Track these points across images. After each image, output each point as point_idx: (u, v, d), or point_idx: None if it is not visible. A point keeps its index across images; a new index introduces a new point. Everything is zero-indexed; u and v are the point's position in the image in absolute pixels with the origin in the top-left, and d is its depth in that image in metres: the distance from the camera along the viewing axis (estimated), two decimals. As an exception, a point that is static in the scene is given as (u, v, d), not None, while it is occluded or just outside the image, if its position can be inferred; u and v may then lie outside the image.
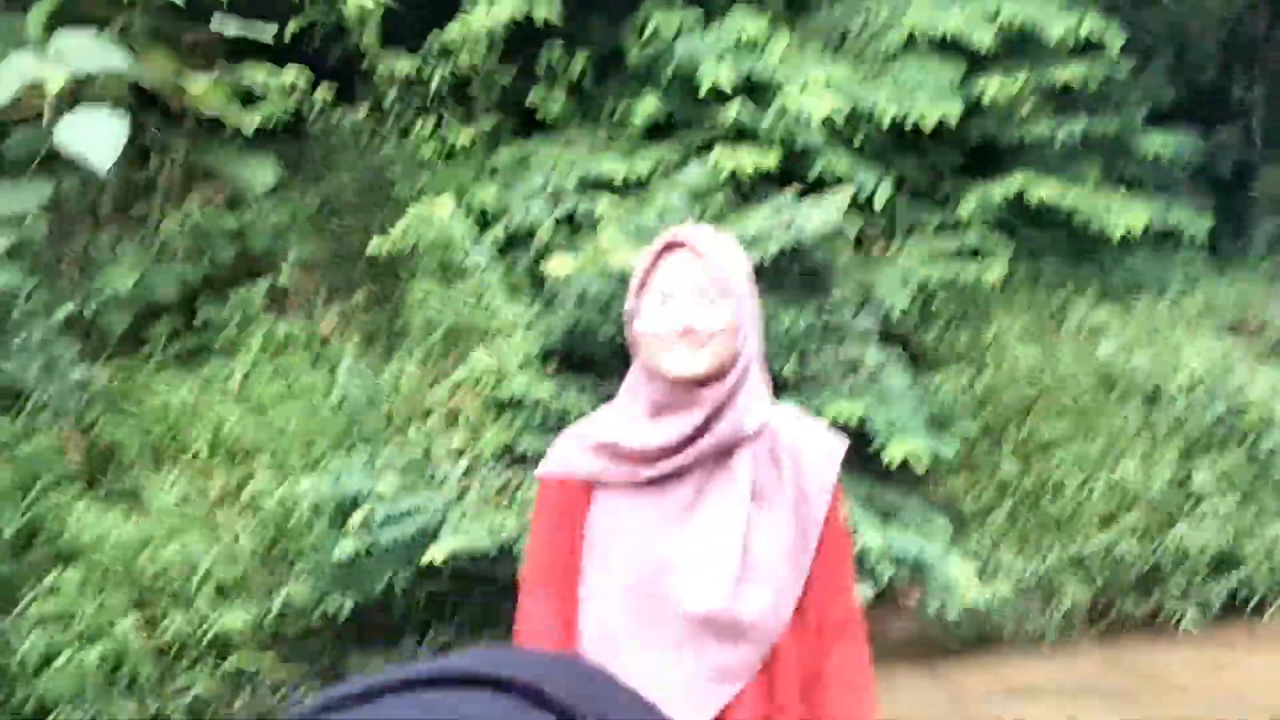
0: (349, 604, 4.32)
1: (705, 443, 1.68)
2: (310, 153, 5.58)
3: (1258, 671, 4.60)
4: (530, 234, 5.28)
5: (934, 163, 6.14)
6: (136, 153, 5.10)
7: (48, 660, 3.89)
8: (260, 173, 5.08)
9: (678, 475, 1.69)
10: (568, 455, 1.77)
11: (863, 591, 4.86)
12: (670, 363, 1.68)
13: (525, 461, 4.70)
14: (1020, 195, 5.88)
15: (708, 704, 1.62)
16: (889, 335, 5.77)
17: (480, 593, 4.90)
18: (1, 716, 3.89)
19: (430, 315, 5.02)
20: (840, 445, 1.80)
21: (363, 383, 4.85)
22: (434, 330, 4.98)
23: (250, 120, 5.13)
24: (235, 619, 4.11)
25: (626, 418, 1.74)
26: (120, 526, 4.20)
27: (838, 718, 1.70)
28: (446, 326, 4.97)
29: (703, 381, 1.69)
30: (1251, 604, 5.17)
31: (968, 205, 5.86)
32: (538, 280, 5.31)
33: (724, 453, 1.70)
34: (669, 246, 1.73)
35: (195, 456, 4.56)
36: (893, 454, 5.14)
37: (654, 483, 1.69)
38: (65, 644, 3.91)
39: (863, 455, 5.46)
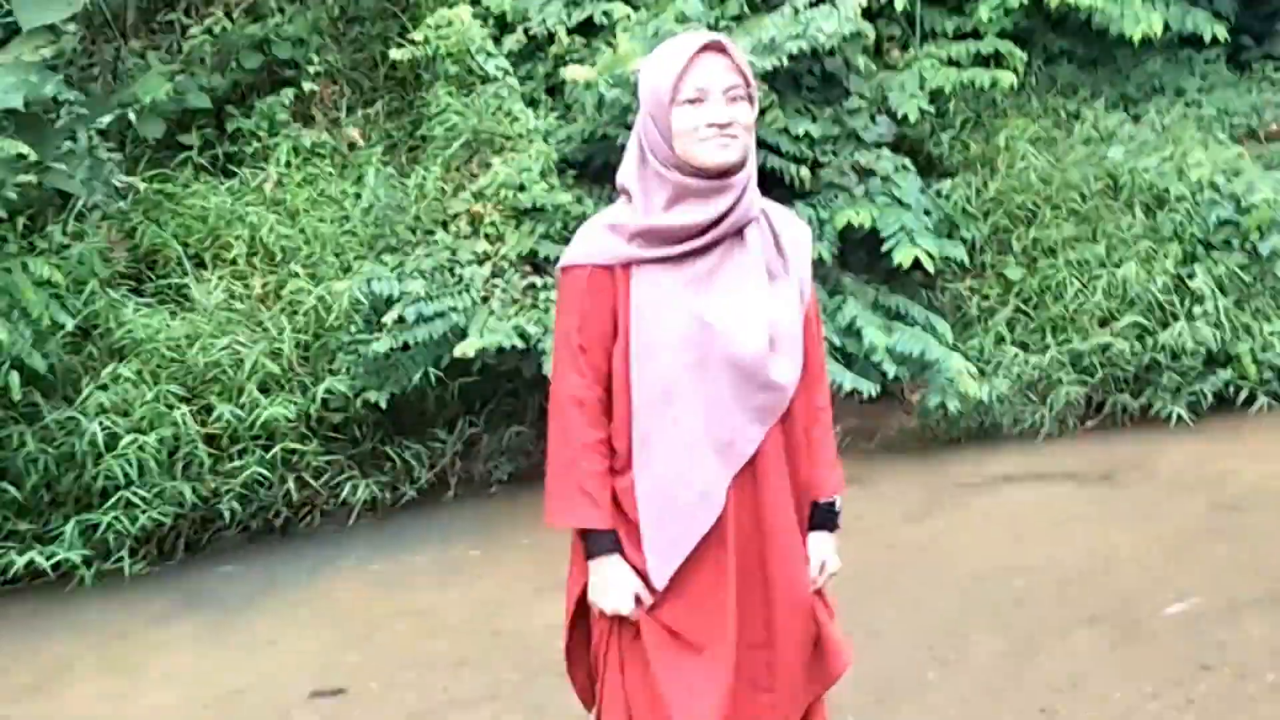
0: (385, 396, 4.62)
1: (729, 221, 1.94)
2: (330, -40, 5.61)
3: (1239, 460, 4.85)
4: (548, 41, 5.35)
5: (952, -34, 6.10)
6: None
7: (111, 446, 4.22)
8: (281, -19, 5.14)
9: (703, 251, 1.94)
10: (601, 242, 1.96)
11: (868, 388, 5.13)
12: (707, 154, 1.90)
13: (547, 266, 4.91)
14: (1039, -1, 5.86)
15: (754, 436, 1.94)
16: (902, 141, 5.87)
17: (506, 388, 5.21)
18: (74, 494, 4.25)
19: (450, 123, 5.15)
20: (809, 231, 2.09)
21: (389, 190, 5.03)
22: (455, 139, 5.11)
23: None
24: (280, 409, 4.42)
25: (646, 208, 1.94)
26: (169, 324, 4.48)
27: (823, 479, 2.07)
28: (467, 135, 5.10)
29: (727, 172, 1.91)
30: (1240, 399, 5.41)
31: (985, 9, 5.86)
32: (555, 88, 5.41)
33: (738, 233, 1.96)
34: (704, 48, 1.90)
35: (234, 260, 4.80)
36: (902, 257, 5.32)
37: (684, 259, 1.94)
38: (126, 431, 4.24)
39: (873, 259, 5.65)
